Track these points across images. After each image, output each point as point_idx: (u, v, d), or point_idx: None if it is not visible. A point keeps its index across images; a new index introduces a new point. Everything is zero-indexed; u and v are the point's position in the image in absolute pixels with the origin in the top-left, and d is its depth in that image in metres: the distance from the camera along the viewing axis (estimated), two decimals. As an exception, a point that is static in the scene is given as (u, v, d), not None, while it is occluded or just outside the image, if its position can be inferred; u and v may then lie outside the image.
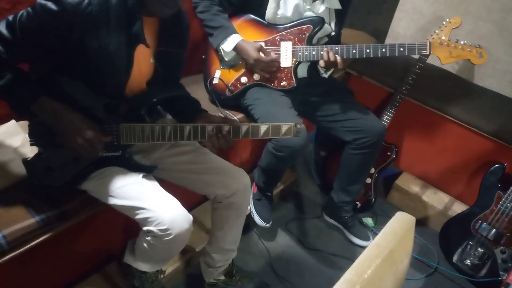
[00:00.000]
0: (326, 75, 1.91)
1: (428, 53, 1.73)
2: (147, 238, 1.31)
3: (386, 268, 0.87)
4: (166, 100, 1.37)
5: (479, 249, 2.02)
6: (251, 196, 2.06)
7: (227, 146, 1.28)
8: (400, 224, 0.97)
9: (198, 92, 1.98)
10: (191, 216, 1.29)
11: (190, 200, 2.03)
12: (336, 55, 1.70)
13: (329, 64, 1.72)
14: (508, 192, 1.91)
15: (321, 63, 1.73)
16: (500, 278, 1.94)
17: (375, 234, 2.27)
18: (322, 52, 1.71)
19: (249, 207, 2.03)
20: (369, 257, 0.85)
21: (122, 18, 1.12)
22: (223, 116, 1.79)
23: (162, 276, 1.62)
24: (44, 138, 1.21)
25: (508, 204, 1.91)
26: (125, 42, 1.15)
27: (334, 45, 1.73)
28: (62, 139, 1.16)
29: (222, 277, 1.69)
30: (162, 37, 1.26)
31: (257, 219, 2.02)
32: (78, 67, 1.14)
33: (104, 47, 1.12)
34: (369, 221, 2.34)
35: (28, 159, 1.23)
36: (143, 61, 1.25)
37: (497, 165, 2.00)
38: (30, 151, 1.32)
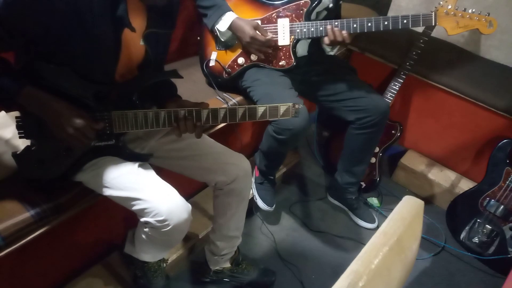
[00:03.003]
0: (332, 53, 1.82)
1: (433, 24, 1.64)
2: (145, 229, 1.28)
3: (394, 256, 0.83)
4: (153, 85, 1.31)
5: (487, 227, 1.98)
6: (253, 180, 2.02)
7: (192, 132, 1.22)
8: (408, 209, 0.92)
9: (194, 75, 1.92)
10: (189, 206, 1.25)
11: (191, 186, 2.00)
12: (343, 31, 1.61)
13: (336, 42, 1.63)
14: (517, 167, 1.86)
15: (326, 40, 1.65)
16: (509, 256, 1.91)
17: (381, 214, 2.23)
18: (326, 29, 1.62)
19: (251, 191, 2.00)
20: (376, 246, 0.81)
21: (106, 0, 1.05)
22: (215, 100, 1.73)
23: (165, 264, 1.59)
24: (34, 130, 1.15)
25: (517, 180, 1.87)
26: (110, 26, 1.08)
27: (333, 20, 1.65)
28: (52, 130, 1.11)
29: (228, 265, 1.66)
30: (151, 17, 1.19)
31: (260, 203, 1.99)
32: (64, 54, 1.07)
33: (89, 32, 1.05)
34: (374, 201, 2.30)
35: (18, 153, 1.19)
36: (132, 44, 1.18)
37: (505, 140, 1.95)
38: (22, 143, 1.27)
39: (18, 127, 1.15)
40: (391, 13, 2.45)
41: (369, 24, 1.62)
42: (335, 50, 1.82)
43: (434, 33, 2.00)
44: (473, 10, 1.61)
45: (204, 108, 1.20)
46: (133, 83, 1.23)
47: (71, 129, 1.08)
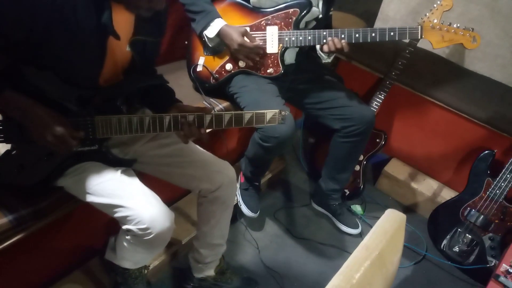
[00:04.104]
0: (329, 60, 1.83)
1: (419, 37, 1.67)
2: (127, 237, 1.26)
3: (376, 270, 0.83)
4: (140, 90, 1.29)
5: (468, 236, 2.01)
6: (238, 186, 2.02)
7: (199, 137, 1.21)
8: (390, 223, 0.93)
9: (181, 79, 1.91)
10: (172, 214, 1.23)
11: (174, 192, 1.98)
12: (343, 40, 1.63)
13: (335, 50, 1.65)
14: (498, 178, 1.90)
15: (325, 48, 1.66)
16: (488, 265, 1.94)
17: (364, 221, 2.25)
18: (326, 38, 1.64)
19: (236, 197, 1.99)
20: (358, 260, 0.81)
21: (90, 6, 1.03)
22: (202, 105, 1.72)
23: (146, 271, 1.57)
24: (14, 134, 1.12)
25: (497, 191, 1.90)
26: (95, 32, 1.06)
27: (322, 30, 1.66)
28: (32, 136, 1.08)
29: (212, 273, 1.65)
30: (139, 25, 1.17)
31: (244, 209, 1.98)
32: (46, 58, 1.05)
33: (73, 37, 1.03)
34: (357, 208, 2.32)
35: (-3, 157, 1.16)
36: (118, 50, 1.16)
37: (486, 152, 1.98)
38: (2, 147, 1.24)
39: (-2, 131, 1.12)
40: (378, 22, 2.48)
41: (357, 35, 1.64)
42: (332, 58, 1.83)
43: (420, 44, 2.02)
44: (458, 25, 1.64)
45: (191, 114, 1.18)
46: (118, 88, 1.21)
47: (51, 136, 1.05)
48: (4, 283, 1.37)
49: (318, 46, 1.78)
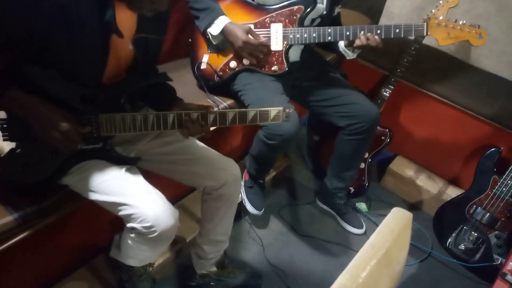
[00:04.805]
0: (354, 56, 1.82)
1: (425, 34, 1.66)
2: (131, 235, 1.26)
3: (382, 269, 0.82)
4: (143, 88, 1.29)
5: (473, 234, 2.00)
6: (243, 184, 2.01)
7: (201, 134, 1.21)
8: (396, 222, 0.92)
9: (185, 77, 1.90)
10: (176, 211, 1.23)
11: (179, 190, 1.98)
12: (376, 36, 1.62)
13: (367, 45, 1.63)
14: (504, 176, 1.88)
15: (358, 42, 1.64)
16: (494, 263, 1.93)
17: (369, 219, 2.24)
18: (360, 34, 1.63)
19: (240, 195, 1.99)
20: (364, 259, 0.80)
21: (93, 4, 1.03)
22: (206, 103, 1.72)
23: (151, 268, 1.57)
24: (19, 132, 1.12)
25: (504, 189, 1.89)
26: (98, 30, 1.06)
27: (326, 27, 1.65)
28: (37, 134, 1.08)
29: (214, 269, 1.65)
30: (141, 23, 1.17)
31: (249, 207, 1.98)
32: (50, 57, 1.05)
33: (76, 35, 1.03)
34: (362, 206, 2.31)
35: (2, 156, 1.16)
36: (121, 48, 1.16)
37: (493, 149, 1.97)
38: (7, 145, 1.24)
39: (2, 129, 1.12)
40: (383, 19, 2.46)
41: (362, 32, 1.62)
42: (356, 54, 1.81)
43: (425, 41, 2.01)
44: (464, 21, 1.62)
45: (195, 111, 1.18)
46: (121, 86, 1.21)
47: (56, 132, 1.05)
48: (9, 280, 1.38)
49: (342, 43, 1.76)
